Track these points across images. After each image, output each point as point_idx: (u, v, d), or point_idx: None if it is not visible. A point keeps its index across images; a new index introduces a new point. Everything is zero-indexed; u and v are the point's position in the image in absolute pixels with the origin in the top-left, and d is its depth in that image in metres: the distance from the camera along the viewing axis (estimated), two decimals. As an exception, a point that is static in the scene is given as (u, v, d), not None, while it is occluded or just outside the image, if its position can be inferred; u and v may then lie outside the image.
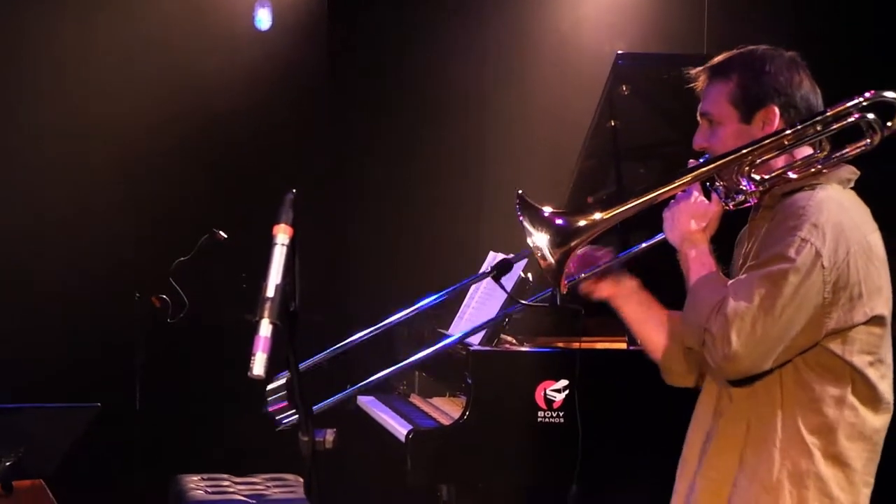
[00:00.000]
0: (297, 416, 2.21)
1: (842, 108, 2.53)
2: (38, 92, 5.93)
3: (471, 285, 4.46)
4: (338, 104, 6.45)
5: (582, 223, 2.57)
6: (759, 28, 5.35)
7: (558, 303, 2.78)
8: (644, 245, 2.82)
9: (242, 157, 6.18)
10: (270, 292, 2.13)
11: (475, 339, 4.25)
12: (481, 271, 4.04)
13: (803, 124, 2.56)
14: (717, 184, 2.63)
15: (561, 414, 4.00)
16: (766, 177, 2.59)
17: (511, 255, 3.24)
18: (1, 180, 5.79)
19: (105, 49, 6.03)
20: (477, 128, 6.47)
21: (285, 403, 2.58)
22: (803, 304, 2.44)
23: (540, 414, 4.02)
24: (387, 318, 3.18)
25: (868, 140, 2.54)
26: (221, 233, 5.38)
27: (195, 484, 5.13)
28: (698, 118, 2.72)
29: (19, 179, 5.83)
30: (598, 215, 2.58)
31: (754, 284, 2.46)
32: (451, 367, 4.31)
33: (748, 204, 2.64)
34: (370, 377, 3.31)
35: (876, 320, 2.53)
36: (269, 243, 2.19)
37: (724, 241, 2.71)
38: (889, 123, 2.50)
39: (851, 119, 2.53)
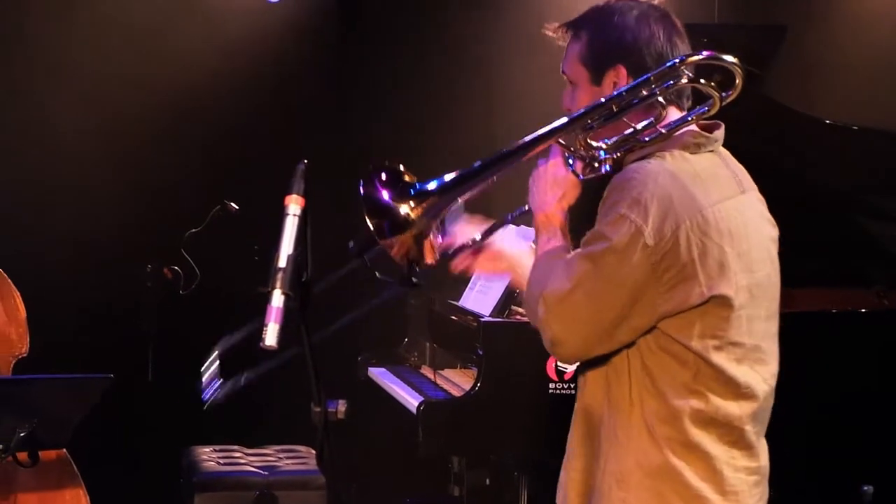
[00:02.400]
0: (218, 389, 2.20)
1: (664, 69, 2.30)
2: (44, 64, 5.91)
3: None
4: (348, 70, 6.41)
5: (404, 211, 2.42)
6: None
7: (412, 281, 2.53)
8: (514, 215, 2.60)
9: (255, 126, 6.17)
10: (282, 263, 2.13)
11: (486, 311, 4.25)
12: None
13: (627, 88, 2.33)
14: (569, 151, 2.41)
15: (572, 385, 3.99)
16: (605, 146, 2.37)
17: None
18: (12, 153, 5.79)
19: (112, 15, 6.01)
20: (484, 85, 6.42)
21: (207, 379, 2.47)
22: (625, 285, 2.22)
23: (551, 385, 4.03)
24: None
25: (706, 106, 2.31)
26: (233, 204, 5.39)
27: (207, 455, 5.15)
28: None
29: (29, 151, 5.83)
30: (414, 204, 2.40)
31: (573, 266, 2.26)
32: (462, 338, 4.32)
33: (603, 172, 2.39)
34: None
35: (718, 301, 2.26)
36: (281, 214, 2.19)
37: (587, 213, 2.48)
38: (727, 91, 2.26)
39: (682, 81, 2.29)
